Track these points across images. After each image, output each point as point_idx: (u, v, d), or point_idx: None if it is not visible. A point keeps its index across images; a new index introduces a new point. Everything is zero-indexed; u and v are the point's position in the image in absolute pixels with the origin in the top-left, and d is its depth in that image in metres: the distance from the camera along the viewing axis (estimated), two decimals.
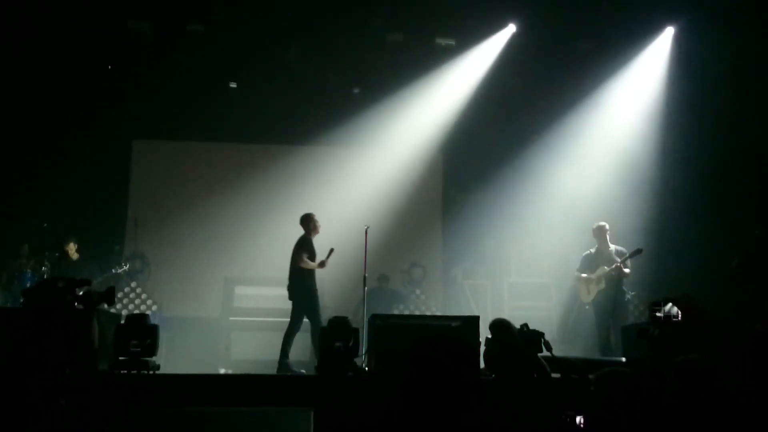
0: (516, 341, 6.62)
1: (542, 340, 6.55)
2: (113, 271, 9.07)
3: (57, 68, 9.46)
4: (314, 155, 10.76)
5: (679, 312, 3.31)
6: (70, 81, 9.72)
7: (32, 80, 9.45)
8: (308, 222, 8.34)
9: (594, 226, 8.48)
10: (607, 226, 8.44)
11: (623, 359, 6.92)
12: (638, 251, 8.11)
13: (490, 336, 6.68)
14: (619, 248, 8.37)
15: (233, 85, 10.34)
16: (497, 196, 10.13)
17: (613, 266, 8.23)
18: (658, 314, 3.38)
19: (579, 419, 4.16)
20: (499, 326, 6.61)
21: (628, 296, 8.30)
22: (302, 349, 8.15)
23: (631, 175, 9.71)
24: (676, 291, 7.81)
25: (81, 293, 5.42)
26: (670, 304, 3.21)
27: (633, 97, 10.00)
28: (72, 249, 8.99)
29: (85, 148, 10.20)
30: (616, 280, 8.17)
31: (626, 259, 8.14)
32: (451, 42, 9.86)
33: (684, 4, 9.13)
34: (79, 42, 9.40)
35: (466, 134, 10.51)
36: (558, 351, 6.96)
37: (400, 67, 9.96)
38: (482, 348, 6.93)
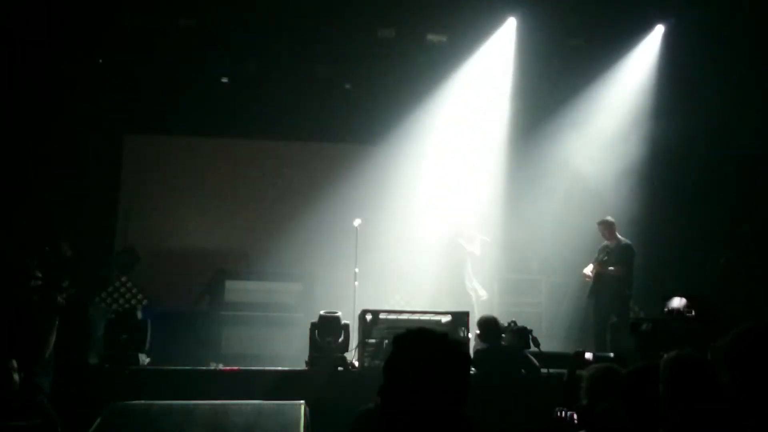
0: (501, 337, 6.68)
1: (530, 336, 6.60)
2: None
3: (46, 62, 9.40)
4: (306, 150, 10.75)
5: (692, 308, 3.33)
6: (60, 75, 9.66)
7: (21, 75, 9.38)
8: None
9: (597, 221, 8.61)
10: (610, 220, 8.53)
11: (611, 355, 6.98)
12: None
13: (479, 332, 6.73)
14: (624, 242, 8.45)
15: (225, 80, 10.29)
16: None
17: (594, 264, 8.37)
18: (668, 308, 3.40)
19: (571, 415, 4.20)
20: (486, 323, 6.66)
21: (628, 293, 8.35)
22: (287, 343, 8.15)
23: (620, 172, 9.73)
24: (663, 288, 7.88)
25: (59, 297, 5.48)
26: (678, 298, 3.23)
27: (623, 94, 10.03)
28: (65, 247, 8.96)
29: (75, 143, 10.14)
30: (614, 277, 8.23)
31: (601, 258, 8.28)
32: (443, 38, 9.86)
33: (674, 2, 9.16)
34: (69, 36, 9.34)
35: (458, 131, 10.50)
36: (547, 346, 7.03)
37: (392, 62, 9.94)
38: (472, 343, 6.98)
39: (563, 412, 4.32)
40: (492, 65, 10.08)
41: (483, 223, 9.69)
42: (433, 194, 10.24)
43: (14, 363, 4.97)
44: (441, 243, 9.37)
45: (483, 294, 9.22)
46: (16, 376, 4.94)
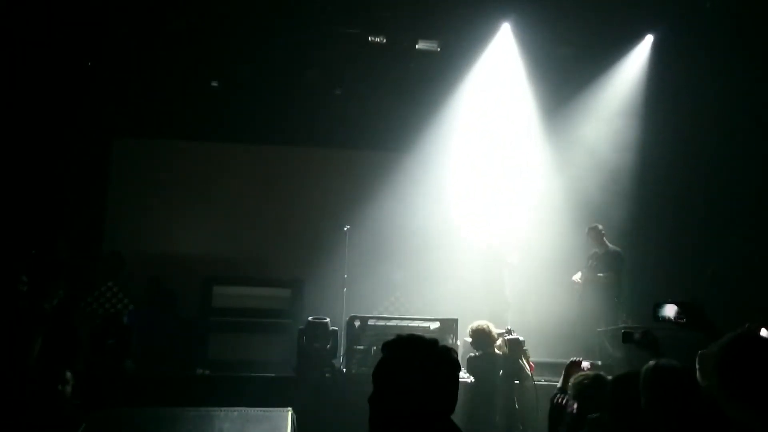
0: (493, 345, 6.68)
1: (521, 348, 6.61)
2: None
3: (34, 64, 9.32)
4: (296, 155, 10.72)
5: (684, 315, 3.32)
6: (49, 78, 9.57)
7: (8, 77, 9.29)
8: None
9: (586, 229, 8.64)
10: (598, 227, 8.58)
11: (599, 363, 6.99)
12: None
13: (470, 340, 6.73)
14: (613, 249, 8.50)
15: (215, 83, 10.25)
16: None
17: (582, 271, 8.42)
18: (660, 315, 3.37)
19: (568, 401, 4.19)
20: (478, 331, 6.66)
21: (617, 300, 8.40)
22: (275, 349, 8.11)
23: (610, 181, 9.76)
24: (652, 296, 7.90)
25: (45, 304, 5.44)
26: (670, 306, 3.22)
27: (612, 102, 10.06)
28: (61, 245, 8.91)
29: (64, 146, 10.06)
30: (602, 284, 8.28)
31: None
32: (434, 45, 9.87)
33: (664, 12, 9.21)
34: (58, 38, 9.28)
35: (446, 137, 10.50)
36: (535, 354, 7.04)
37: (383, 68, 9.94)
38: (461, 351, 6.98)
39: (561, 398, 4.31)
40: (492, 71, 10.06)
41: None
42: (440, 201, 10.17)
43: (68, 375, 4.91)
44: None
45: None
46: (68, 388, 4.89)
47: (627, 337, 4.42)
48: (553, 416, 4.31)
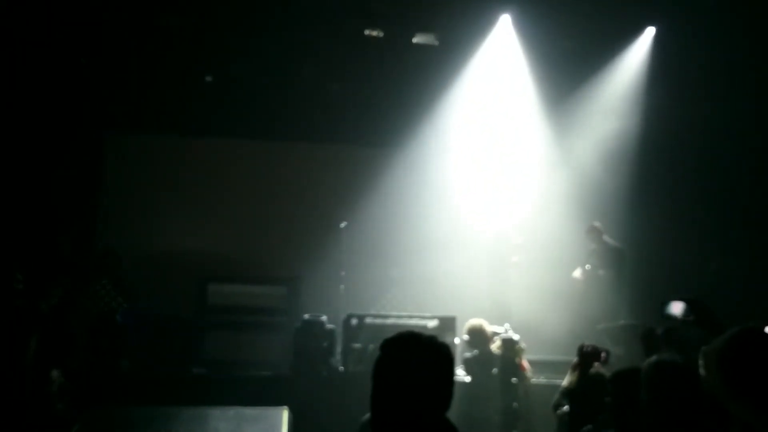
0: (489, 343, 6.65)
1: (515, 347, 6.59)
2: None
3: (27, 60, 9.24)
4: (292, 151, 10.65)
5: (692, 313, 3.28)
6: (41, 74, 9.50)
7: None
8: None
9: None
10: (596, 226, 8.55)
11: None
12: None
13: (467, 338, 6.70)
14: (614, 246, 8.46)
15: (209, 78, 10.17)
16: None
17: (584, 267, 8.38)
18: (667, 312, 3.33)
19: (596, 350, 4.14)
20: (473, 330, 6.64)
21: (617, 298, 8.38)
22: (271, 348, 8.06)
23: (610, 175, 9.73)
24: (654, 295, 7.87)
25: (42, 304, 5.39)
26: (677, 303, 3.18)
27: (613, 95, 10.03)
28: (63, 242, 8.85)
29: (56, 143, 9.98)
30: (602, 281, 8.25)
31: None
32: (432, 38, 9.82)
33: (666, 4, 9.19)
34: (51, 34, 9.20)
35: (442, 133, 10.46)
36: (535, 352, 7.00)
37: (380, 62, 9.89)
38: (459, 349, 6.95)
39: (588, 347, 4.24)
40: (492, 64, 9.99)
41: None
42: (438, 197, 10.11)
43: (55, 373, 4.87)
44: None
45: None
46: (55, 388, 4.84)
47: (649, 334, 4.36)
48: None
